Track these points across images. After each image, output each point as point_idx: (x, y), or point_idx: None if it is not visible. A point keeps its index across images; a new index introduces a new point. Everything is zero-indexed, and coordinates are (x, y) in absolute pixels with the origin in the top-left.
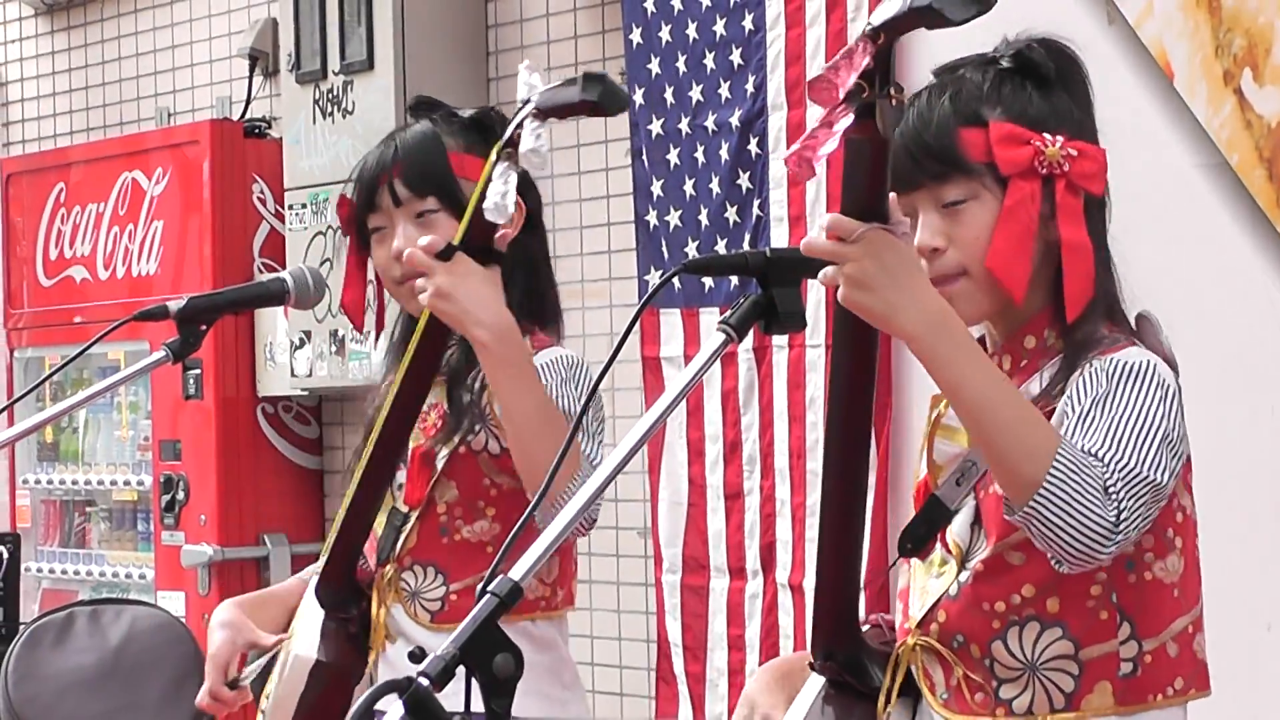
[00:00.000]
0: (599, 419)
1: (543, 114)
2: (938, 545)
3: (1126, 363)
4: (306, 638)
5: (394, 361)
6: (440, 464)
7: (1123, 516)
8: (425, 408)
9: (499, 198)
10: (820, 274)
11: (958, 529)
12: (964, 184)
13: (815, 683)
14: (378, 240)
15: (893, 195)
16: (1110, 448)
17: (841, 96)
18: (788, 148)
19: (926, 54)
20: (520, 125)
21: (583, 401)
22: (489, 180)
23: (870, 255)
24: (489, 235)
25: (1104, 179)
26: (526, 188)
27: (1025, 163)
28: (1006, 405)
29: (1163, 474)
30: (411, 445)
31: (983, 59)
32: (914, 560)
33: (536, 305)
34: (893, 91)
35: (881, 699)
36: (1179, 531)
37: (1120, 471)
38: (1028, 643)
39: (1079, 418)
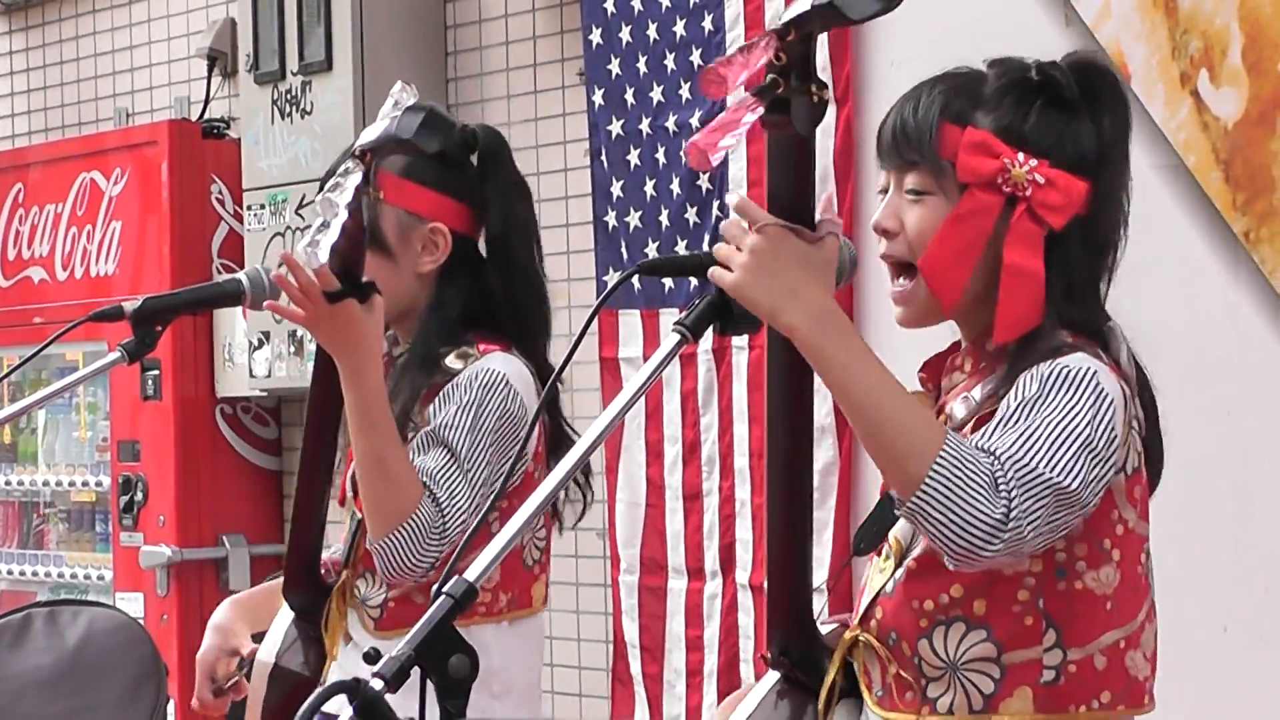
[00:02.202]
0: (503, 456)
1: (364, 154)
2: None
3: (1066, 368)
4: (269, 642)
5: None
6: None
7: (1013, 514)
8: None
9: (315, 236)
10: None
11: (900, 527)
12: (928, 177)
13: (769, 678)
14: None
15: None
16: (1015, 448)
17: (731, 89)
18: (747, 149)
19: (885, 48)
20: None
21: (487, 443)
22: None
23: (763, 248)
24: (359, 263)
25: (1069, 214)
26: (485, 214)
27: (986, 175)
28: (891, 403)
29: (1072, 479)
30: None
31: (1018, 64)
32: (873, 557)
33: (482, 314)
34: (813, 88)
35: (823, 693)
36: (1116, 544)
37: (1015, 468)
38: (951, 643)
39: (1002, 419)
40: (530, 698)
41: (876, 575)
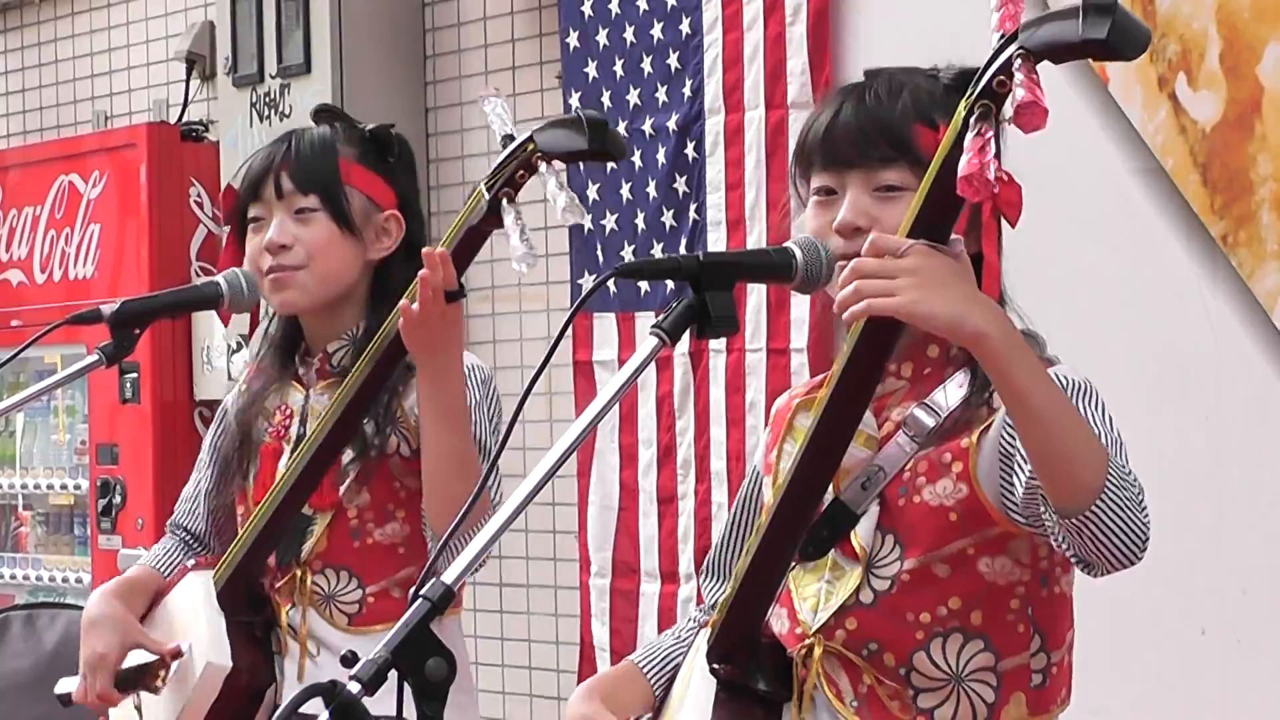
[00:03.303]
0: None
1: (549, 158)
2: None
3: (1073, 380)
4: (216, 645)
5: (270, 359)
6: (351, 470)
7: (1150, 527)
8: None
9: (524, 249)
10: (853, 296)
11: (861, 532)
12: (906, 173)
13: (708, 685)
14: (254, 229)
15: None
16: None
17: (1042, 110)
18: (725, 152)
19: (862, 53)
20: (524, 168)
21: (500, 436)
22: (494, 228)
23: (924, 265)
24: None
25: (1020, 213)
26: (412, 215)
27: None
28: (1067, 412)
29: None
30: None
31: (926, 72)
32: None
33: None
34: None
35: (795, 708)
36: None
37: (1138, 485)
38: (951, 654)
39: None
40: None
41: (819, 582)
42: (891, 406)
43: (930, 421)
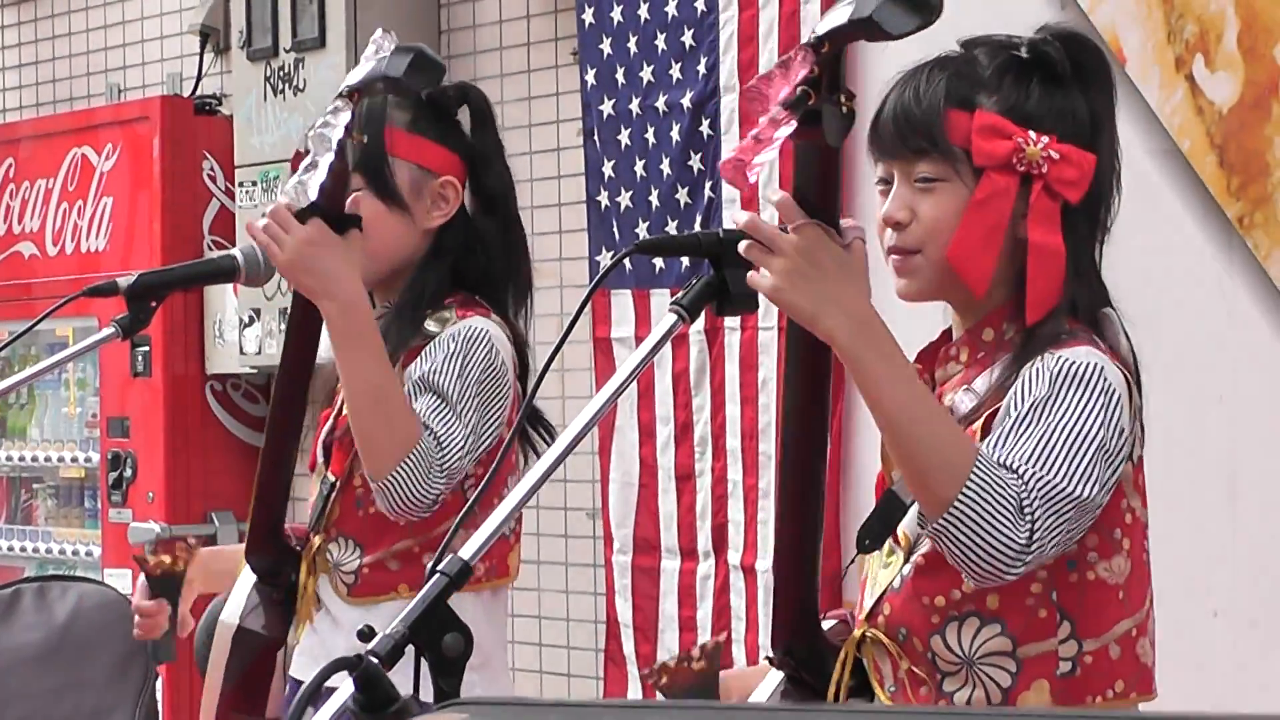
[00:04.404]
0: (487, 409)
1: (353, 92)
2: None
3: (1073, 363)
4: (233, 603)
5: None
6: (349, 437)
7: (1036, 536)
8: None
9: (302, 175)
10: (744, 251)
11: (908, 521)
12: (939, 164)
13: (773, 678)
14: None
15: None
16: (1037, 462)
17: (772, 107)
18: (740, 130)
19: (884, 52)
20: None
21: (470, 389)
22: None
23: (803, 251)
24: (340, 201)
25: (1084, 187)
26: (485, 169)
27: (1002, 157)
28: (925, 419)
29: (1091, 488)
30: (345, 413)
31: (1003, 42)
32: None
33: (473, 277)
34: (842, 98)
35: (831, 690)
36: (1126, 533)
37: (1040, 489)
38: (966, 638)
39: (1015, 422)
40: (502, 668)
41: (881, 570)
42: (947, 393)
43: (969, 406)
